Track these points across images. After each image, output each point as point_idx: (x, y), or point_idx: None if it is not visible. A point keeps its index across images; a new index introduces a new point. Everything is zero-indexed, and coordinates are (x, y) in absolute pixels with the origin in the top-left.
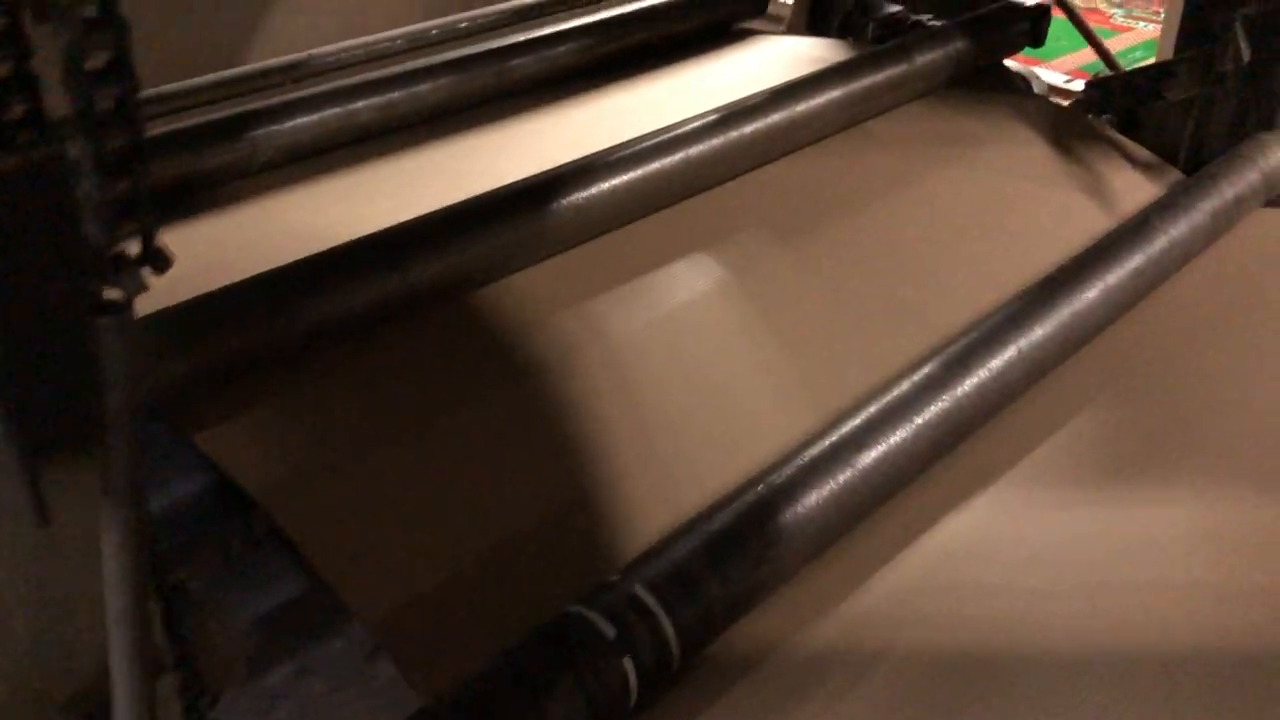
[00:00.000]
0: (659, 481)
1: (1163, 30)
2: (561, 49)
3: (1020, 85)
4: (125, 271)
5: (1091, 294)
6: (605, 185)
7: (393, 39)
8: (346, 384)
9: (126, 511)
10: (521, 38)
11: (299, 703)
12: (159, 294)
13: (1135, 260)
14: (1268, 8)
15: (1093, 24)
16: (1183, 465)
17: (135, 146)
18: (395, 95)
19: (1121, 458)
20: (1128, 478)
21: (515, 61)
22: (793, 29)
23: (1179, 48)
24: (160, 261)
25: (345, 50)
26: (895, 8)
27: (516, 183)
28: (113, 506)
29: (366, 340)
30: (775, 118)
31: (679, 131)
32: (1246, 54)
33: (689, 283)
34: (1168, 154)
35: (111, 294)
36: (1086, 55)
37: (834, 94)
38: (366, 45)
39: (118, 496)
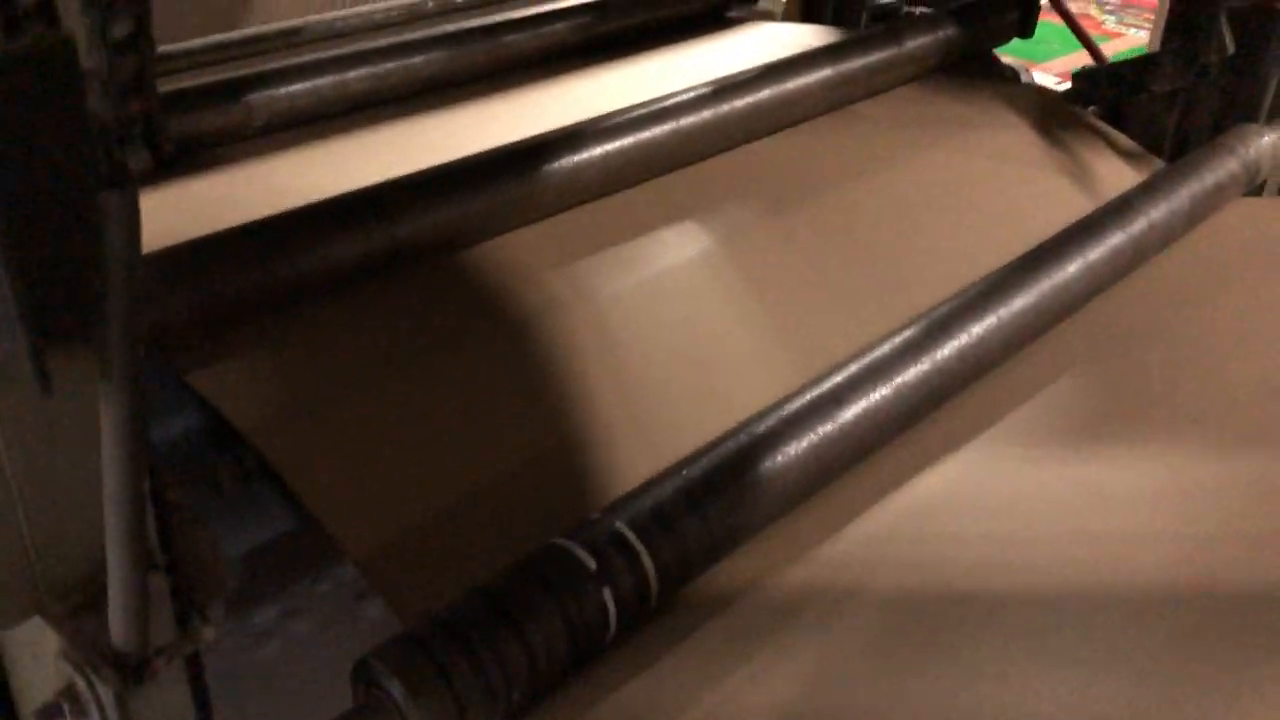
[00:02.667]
0: (640, 431)
1: (1152, 33)
2: (557, 27)
3: (1009, 74)
4: (130, 147)
5: (1071, 268)
6: (596, 151)
7: (389, 9)
8: (335, 330)
9: (124, 393)
10: (517, 14)
11: (286, 640)
12: (153, 242)
13: (1115, 239)
14: (1252, 1)
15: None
16: (1153, 426)
17: (140, 26)
18: (389, 66)
19: (1095, 419)
20: (1099, 437)
21: (510, 38)
22: (787, 17)
23: (1164, 40)
24: (160, 141)
25: (341, 19)
26: None
27: (508, 145)
28: (111, 386)
29: (356, 291)
30: (766, 94)
31: (671, 102)
32: (1230, 46)
33: (675, 249)
34: (1153, 144)
35: (117, 168)
36: (1078, 59)
37: (824, 73)
38: (363, 15)
39: (116, 376)
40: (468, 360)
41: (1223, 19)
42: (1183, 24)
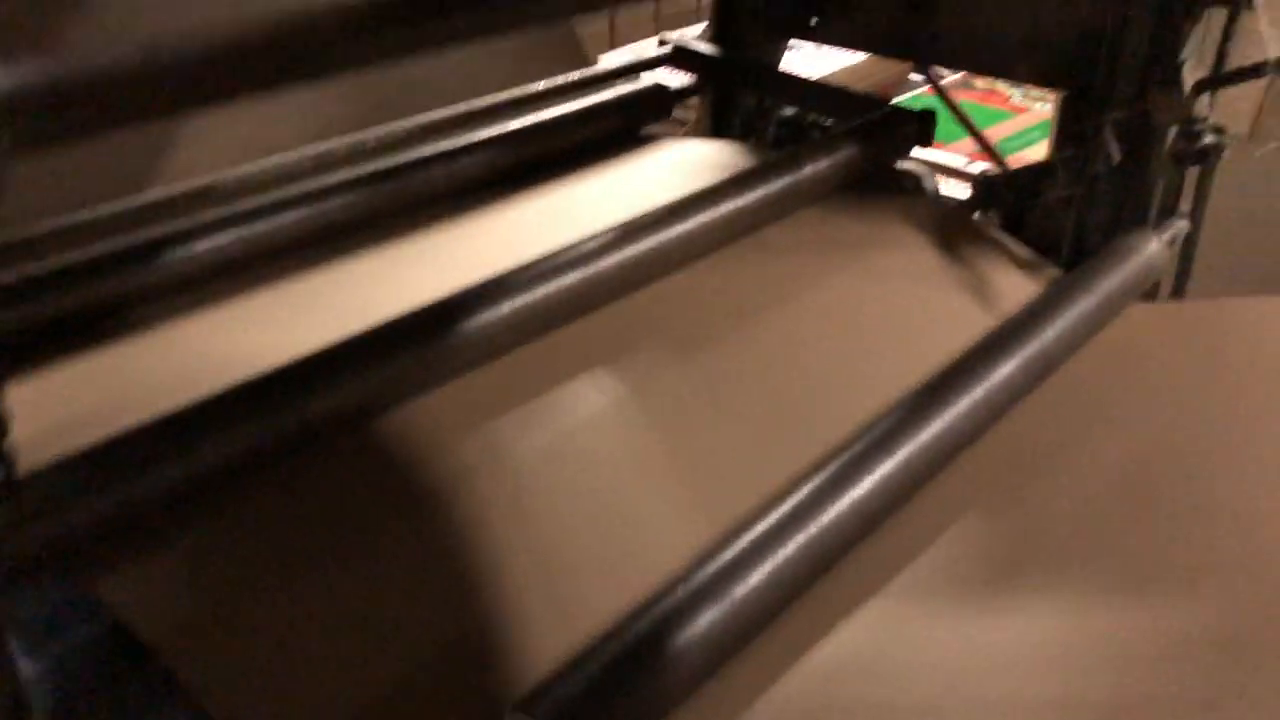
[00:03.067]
0: (554, 607)
1: (1051, 119)
2: (471, 160)
3: (910, 185)
4: None
5: (972, 397)
6: (505, 307)
7: (300, 159)
8: (244, 525)
9: None
10: (429, 151)
11: None
12: (67, 434)
13: (1012, 363)
14: (1132, 113)
15: (992, 105)
16: (1060, 570)
17: None
18: (303, 214)
19: (997, 569)
20: (1000, 590)
21: (423, 175)
22: (697, 130)
23: (1058, 146)
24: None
25: (251, 174)
26: (791, 110)
27: (415, 311)
28: None
29: (266, 478)
30: (672, 231)
31: (578, 251)
32: (1116, 156)
33: (588, 402)
34: (1052, 246)
35: None
36: (990, 133)
37: (729, 205)
38: (274, 166)
39: None
40: (378, 547)
41: (1107, 130)
42: (1072, 134)
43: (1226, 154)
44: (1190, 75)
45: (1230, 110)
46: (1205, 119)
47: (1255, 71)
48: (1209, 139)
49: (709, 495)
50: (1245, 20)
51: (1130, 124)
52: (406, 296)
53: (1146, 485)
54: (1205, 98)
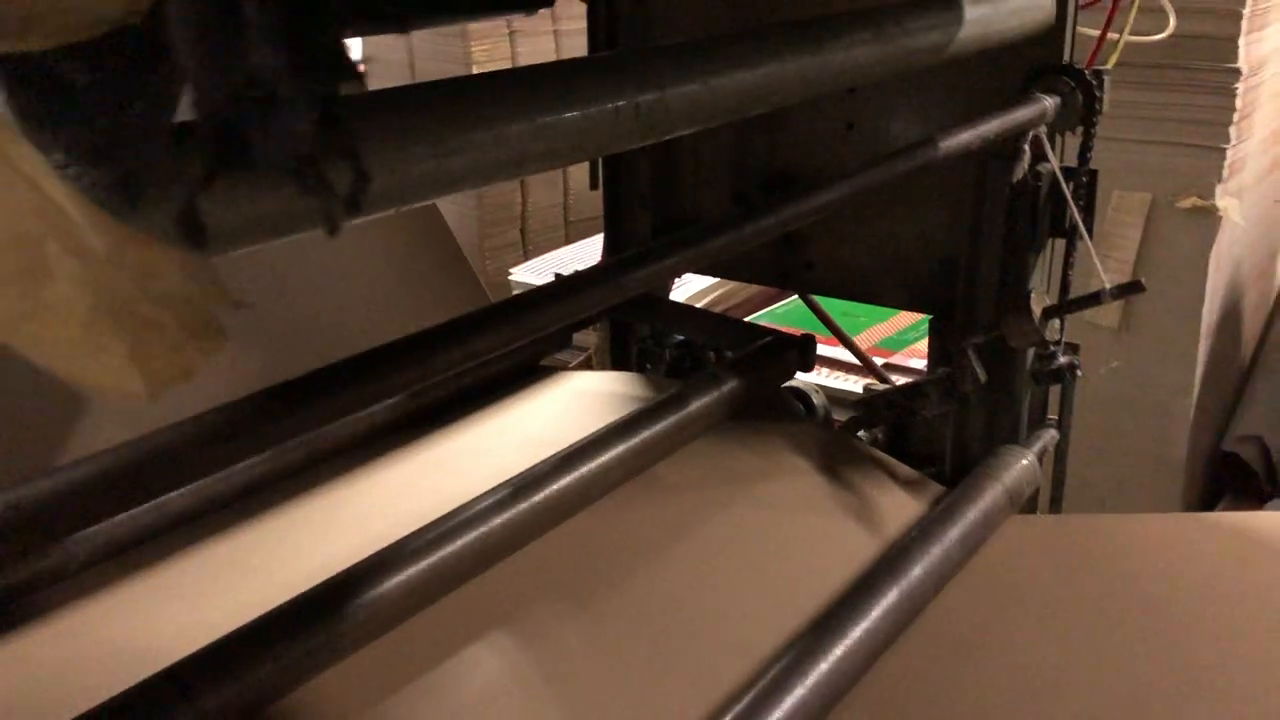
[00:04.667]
0: None
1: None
2: (373, 410)
3: (797, 408)
4: None
5: (855, 633)
6: (399, 578)
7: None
8: None
9: None
10: (332, 406)
11: None
12: None
13: (894, 592)
14: (990, 337)
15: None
16: None
17: None
18: (208, 480)
19: None
20: None
21: (328, 431)
22: (597, 356)
23: (931, 366)
24: None
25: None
26: (681, 338)
27: (306, 592)
28: None
29: None
30: (564, 480)
31: (471, 511)
32: (982, 376)
33: (483, 667)
34: (935, 458)
35: None
36: (885, 329)
37: (618, 449)
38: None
39: None
40: None
41: (970, 352)
42: (942, 354)
43: (1080, 372)
44: (1038, 302)
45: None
46: (1057, 342)
47: (1094, 299)
48: (1062, 360)
49: None
50: (1081, 250)
51: (990, 346)
52: (308, 562)
53: (1027, 708)
54: (1055, 323)
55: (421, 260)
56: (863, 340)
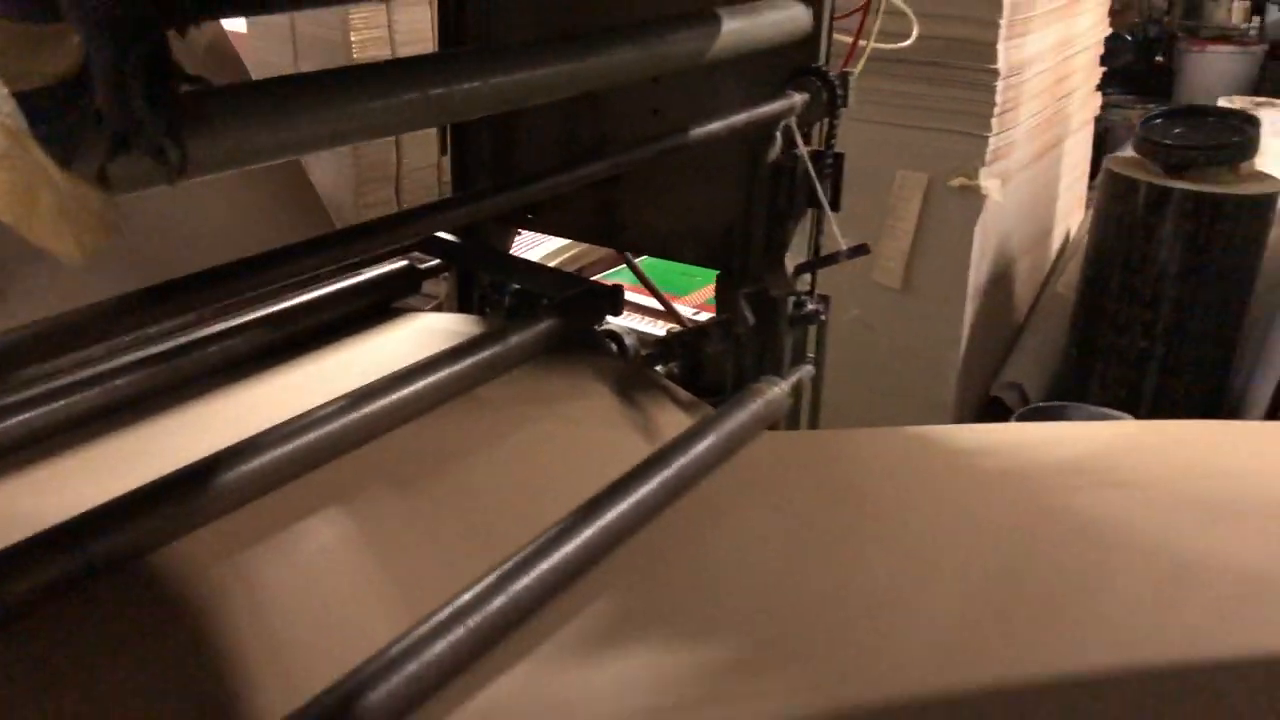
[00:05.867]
0: (281, 676)
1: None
2: (236, 340)
3: (609, 346)
4: None
5: (623, 506)
6: (255, 463)
7: (90, 353)
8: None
9: None
10: (201, 334)
11: None
12: None
13: (659, 478)
14: (758, 288)
15: None
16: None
17: None
18: (94, 391)
19: (618, 627)
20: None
21: (200, 354)
22: (447, 303)
23: (716, 313)
24: None
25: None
26: (517, 287)
27: (180, 469)
28: None
29: (58, 608)
30: (397, 395)
31: (316, 415)
32: (750, 320)
33: (319, 535)
34: (720, 388)
35: None
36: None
37: (445, 371)
38: (72, 360)
39: None
40: (154, 647)
41: (742, 301)
42: (724, 303)
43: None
44: (792, 260)
45: (886, 269)
46: (809, 292)
47: (833, 259)
48: (811, 306)
49: (408, 594)
50: (827, 222)
51: (759, 296)
52: (185, 456)
53: (758, 570)
54: (807, 276)
55: (288, 209)
56: (696, 296)
